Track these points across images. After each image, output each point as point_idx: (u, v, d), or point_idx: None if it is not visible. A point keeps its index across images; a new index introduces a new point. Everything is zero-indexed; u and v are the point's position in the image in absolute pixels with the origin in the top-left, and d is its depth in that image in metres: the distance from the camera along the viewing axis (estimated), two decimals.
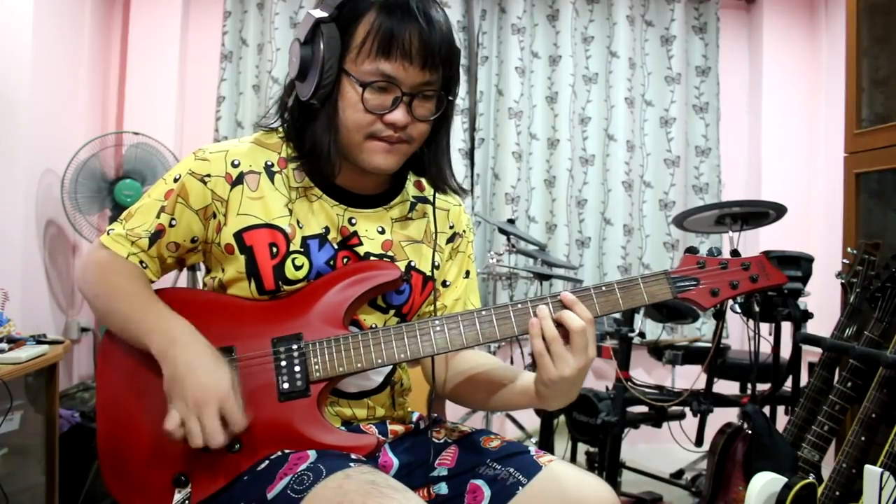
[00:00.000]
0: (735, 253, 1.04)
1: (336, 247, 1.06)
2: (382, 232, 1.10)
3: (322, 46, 0.97)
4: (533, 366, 1.10)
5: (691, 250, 1.03)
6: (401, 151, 1.03)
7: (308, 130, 1.04)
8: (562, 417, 2.62)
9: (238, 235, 1.03)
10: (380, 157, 1.01)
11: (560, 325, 0.95)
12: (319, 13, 0.98)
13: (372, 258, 1.08)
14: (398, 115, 0.99)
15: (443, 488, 1.04)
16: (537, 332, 0.95)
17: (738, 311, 0.94)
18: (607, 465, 2.25)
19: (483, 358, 1.15)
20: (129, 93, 3.23)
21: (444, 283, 1.19)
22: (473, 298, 1.22)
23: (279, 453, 0.96)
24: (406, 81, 0.98)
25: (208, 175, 1.04)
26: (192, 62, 3.39)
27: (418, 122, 1.02)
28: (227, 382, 0.93)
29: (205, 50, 3.40)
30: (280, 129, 1.10)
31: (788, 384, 2.23)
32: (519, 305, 0.99)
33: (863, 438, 1.57)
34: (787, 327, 2.21)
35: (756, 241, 3.30)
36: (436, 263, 1.14)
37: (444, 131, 1.09)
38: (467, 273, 1.22)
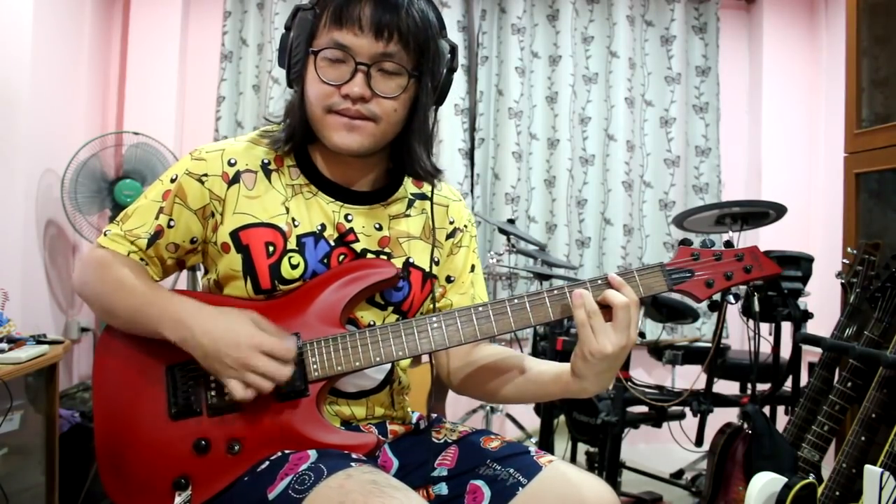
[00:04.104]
0: (728, 244, 1.04)
1: (332, 244, 1.06)
2: (380, 228, 1.10)
3: (293, 30, 1.01)
4: None
5: (685, 242, 1.04)
6: (365, 131, 1.00)
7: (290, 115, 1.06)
8: (562, 417, 2.61)
9: (234, 234, 1.03)
10: (341, 134, 1.00)
11: (603, 306, 0.95)
12: (305, 2, 1.01)
13: (369, 255, 1.08)
14: (353, 85, 0.98)
15: (443, 488, 1.04)
16: (580, 303, 0.95)
17: (732, 302, 0.94)
18: (607, 465, 2.25)
19: (499, 348, 1.16)
20: (129, 93, 3.23)
21: (448, 279, 1.18)
22: (480, 292, 1.21)
23: (279, 454, 0.96)
24: (359, 51, 0.97)
25: (205, 174, 1.04)
26: (192, 62, 3.39)
27: (382, 99, 0.99)
28: (249, 328, 0.95)
29: (205, 50, 3.40)
30: (277, 125, 1.10)
31: (788, 384, 2.23)
32: (516, 301, 1.00)
33: (863, 438, 1.57)
34: (787, 327, 2.21)
35: (756, 241, 3.25)
36: (435, 259, 1.13)
37: (421, 112, 1.06)
38: (472, 267, 1.21)
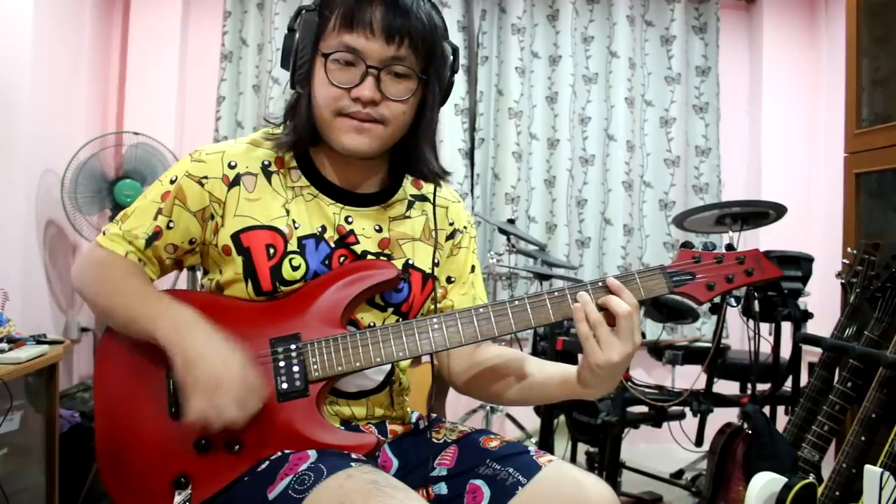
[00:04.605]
0: (730, 247, 1.05)
1: (333, 245, 1.06)
2: (380, 230, 1.10)
3: (298, 31, 1.01)
4: None
5: (687, 245, 1.04)
6: (374, 133, 1.01)
7: (293, 117, 1.06)
8: (562, 417, 2.61)
9: (235, 237, 1.03)
10: (350, 136, 1.00)
11: (603, 311, 0.96)
12: (309, 2, 1.01)
13: (369, 256, 1.08)
14: (363, 89, 0.98)
15: (442, 488, 1.04)
16: (581, 316, 0.95)
17: (734, 305, 0.94)
18: (607, 465, 2.25)
19: (503, 349, 1.16)
20: (129, 93, 3.23)
21: (448, 280, 1.19)
22: (480, 293, 1.22)
23: (279, 454, 0.96)
24: (370, 54, 0.97)
25: (205, 177, 1.04)
26: (192, 62, 3.39)
27: (391, 102, 1.00)
28: (237, 364, 0.94)
29: (205, 50, 3.40)
30: (278, 127, 1.10)
31: (788, 384, 2.23)
32: (517, 302, 1.00)
33: (863, 438, 1.57)
34: (787, 327, 2.21)
35: (756, 242, 3.30)
36: (436, 261, 1.14)
37: (428, 114, 1.06)
38: (472, 268, 1.22)
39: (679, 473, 2.84)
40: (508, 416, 3.17)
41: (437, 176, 1.11)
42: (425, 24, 0.99)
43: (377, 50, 0.97)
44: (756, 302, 2.16)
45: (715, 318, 2.56)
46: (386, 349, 1.00)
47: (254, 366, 0.96)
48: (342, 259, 1.07)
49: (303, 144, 1.06)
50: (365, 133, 1.00)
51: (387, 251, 1.10)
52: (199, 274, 2.54)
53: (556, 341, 2.50)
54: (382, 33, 0.97)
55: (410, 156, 1.09)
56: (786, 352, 2.24)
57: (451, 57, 1.06)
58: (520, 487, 0.98)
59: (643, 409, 2.33)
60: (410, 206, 1.15)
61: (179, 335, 0.95)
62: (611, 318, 0.96)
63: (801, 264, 2.17)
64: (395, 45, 0.97)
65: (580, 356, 0.99)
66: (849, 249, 1.90)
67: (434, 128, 1.09)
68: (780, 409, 2.28)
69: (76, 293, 2.42)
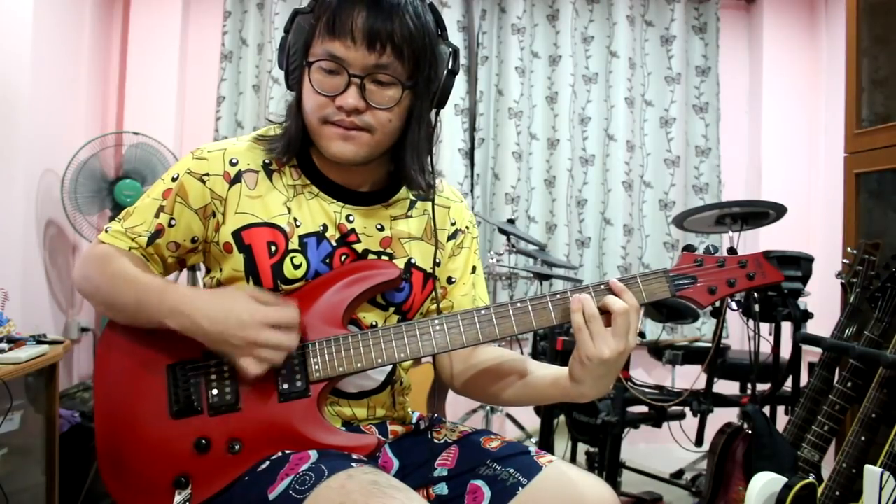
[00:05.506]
0: (732, 251, 1.04)
1: (334, 244, 1.06)
2: (381, 229, 1.10)
3: (290, 35, 1.01)
4: None
5: (689, 248, 1.04)
6: (360, 140, 1.00)
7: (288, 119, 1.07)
8: (562, 417, 2.62)
9: (237, 234, 1.04)
10: (337, 143, 1.00)
11: (603, 311, 0.96)
12: (304, 6, 1.01)
13: (370, 255, 1.08)
14: (347, 97, 0.97)
15: (443, 488, 1.04)
16: (578, 307, 0.96)
17: (736, 308, 0.94)
18: (607, 465, 2.25)
19: (501, 350, 1.16)
20: (129, 93, 3.23)
21: (449, 280, 1.18)
22: (481, 293, 1.22)
23: (280, 454, 0.96)
24: (353, 63, 0.97)
25: (207, 174, 1.04)
26: (192, 62, 3.39)
27: (377, 110, 0.99)
28: (250, 304, 0.95)
29: (205, 50, 3.40)
30: (278, 126, 1.11)
31: (788, 384, 2.23)
32: (518, 304, 1.00)
33: (863, 438, 1.58)
34: (787, 327, 2.21)
35: (756, 241, 3.30)
36: (437, 260, 1.14)
37: (415, 123, 1.05)
38: (473, 269, 1.22)
39: (679, 473, 2.84)
40: (508, 416, 3.17)
41: (421, 188, 1.09)
42: (412, 29, 0.97)
43: (359, 58, 0.96)
44: (756, 302, 2.16)
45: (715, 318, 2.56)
46: (387, 350, 0.99)
47: (260, 290, 0.99)
48: (343, 258, 1.06)
49: (293, 150, 1.06)
50: (351, 141, 1.00)
51: (388, 250, 1.10)
52: (199, 274, 2.54)
53: (556, 341, 2.50)
54: (364, 41, 0.95)
55: (400, 165, 1.08)
56: (786, 352, 2.24)
57: (449, 58, 1.04)
58: (520, 488, 0.98)
59: (643, 409, 2.33)
60: (412, 205, 1.15)
61: (188, 317, 0.95)
62: (610, 318, 0.96)
63: (801, 264, 2.17)
64: (378, 53, 0.96)
65: None
66: (849, 249, 1.91)
67: (422, 135, 1.06)
68: (780, 409, 2.28)
69: (79, 294, 2.41)
